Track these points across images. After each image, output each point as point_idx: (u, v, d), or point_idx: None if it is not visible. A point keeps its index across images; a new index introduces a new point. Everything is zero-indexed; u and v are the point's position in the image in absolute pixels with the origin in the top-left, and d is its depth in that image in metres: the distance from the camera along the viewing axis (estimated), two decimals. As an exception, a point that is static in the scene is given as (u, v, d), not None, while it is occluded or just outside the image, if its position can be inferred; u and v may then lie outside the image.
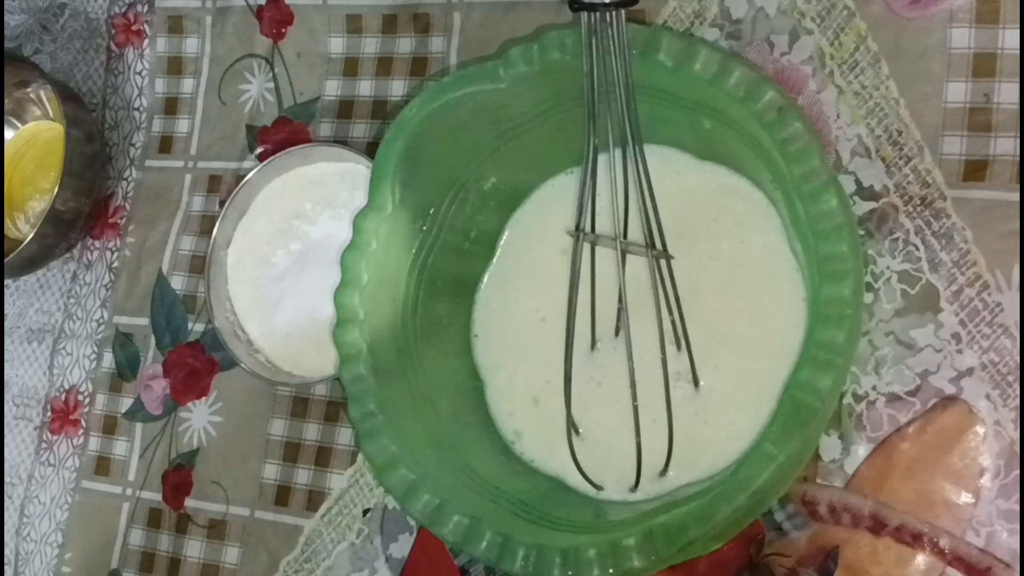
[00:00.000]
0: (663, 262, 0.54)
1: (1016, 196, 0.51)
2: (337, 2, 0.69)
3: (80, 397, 0.73)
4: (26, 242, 0.68)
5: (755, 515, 0.47)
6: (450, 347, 0.61)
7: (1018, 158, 0.52)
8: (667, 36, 0.52)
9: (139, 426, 0.70)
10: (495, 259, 0.62)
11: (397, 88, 0.67)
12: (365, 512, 0.63)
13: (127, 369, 0.72)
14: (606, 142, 0.54)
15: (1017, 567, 0.49)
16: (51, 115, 0.76)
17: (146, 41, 0.75)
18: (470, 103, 0.56)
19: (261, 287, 0.67)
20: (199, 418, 0.68)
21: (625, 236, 0.56)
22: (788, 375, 0.51)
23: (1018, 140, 0.52)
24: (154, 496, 0.69)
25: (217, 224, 0.67)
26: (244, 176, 0.67)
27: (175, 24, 0.74)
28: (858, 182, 0.54)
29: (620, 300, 0.56)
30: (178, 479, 0.68)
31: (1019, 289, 0.51)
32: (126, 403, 0.71)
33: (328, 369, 0.62)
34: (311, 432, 0.65)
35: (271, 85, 0.70)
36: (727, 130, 0.53)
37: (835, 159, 0.55)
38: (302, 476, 0.65)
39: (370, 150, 0.63)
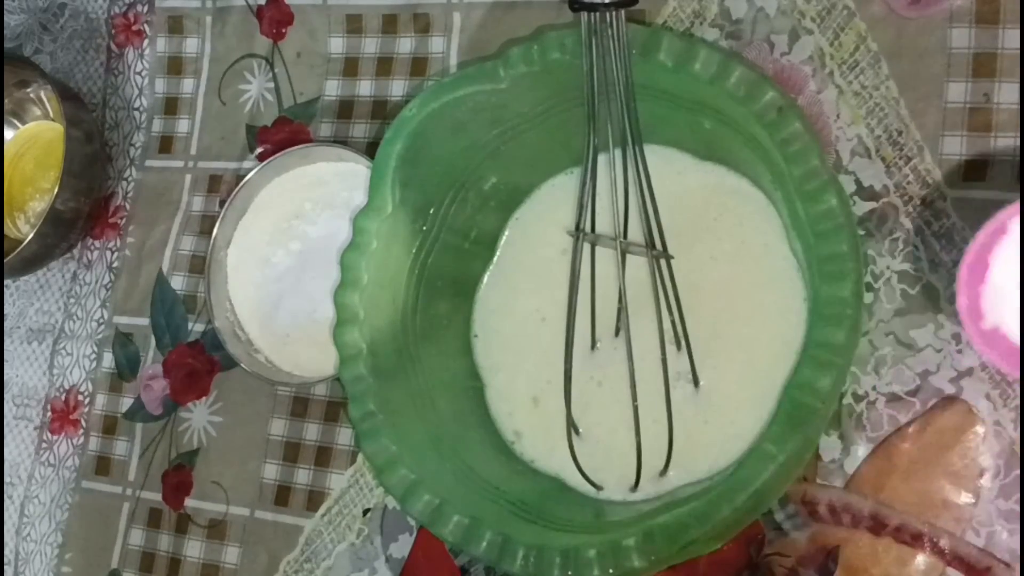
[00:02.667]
0: (663, 262, 0.54)
1: (1016, 196, 0.51)
2: (337, 2, 0.69)
3: (80, 397, 0.73)
4: (26, 242, 0.68)
5: (755, 515, 0.47)
6: (450, 347, 0.61)
7: (1018, 158, 0.52)
8: (667, 36, 0.52)
9: (139, 426, 0.70)
10: (495, 259, 0.62)
11: (397, 88, 0.67)
12: (365, 512, 0.63)
13: (127, 369, 0.72)
14: (606, 142, 0.54)
15: (1017, 567, 0.49)
16: (51, 115, 0.76)
17: (146, 41, 0.75)
18: (470, 103, 0.56)
19: (261, 287, 0.67)
20: (199, 418, 0.68)
21: (625, 236, 0.56)
22: (788, 375, 0.51)
23: (1018, 140, 0.52)
24: (154, 496, 0.69)
25: (217, 224, 0.67)
26: (244, 176, 0.67)
27: (175, 24, 0.74)
28: (858, 182, 0.54)
29: (620, 300, 0.56)
30: (178, 479, 0.68)
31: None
32: (126, 403, 0.71)
33: (328, 369, 0.62)
34: (311, 432, 0.65)
35: (271, 85, 0.70)
36: (727, 130, 0.53)
37: (835, 159, 0.55)
38: (302, 476, 0.65)
39: (370, 150, 0.63)
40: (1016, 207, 0.40)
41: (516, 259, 0.62)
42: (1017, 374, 0.40)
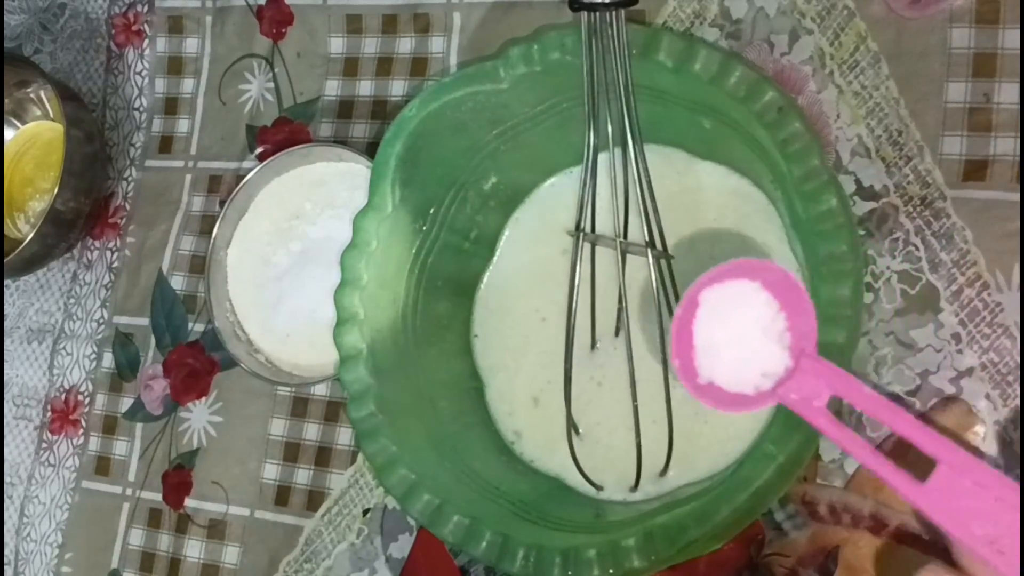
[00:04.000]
0: (663, 262, 0.54)
1: (1016, 196, 0.51)
2: (337, 2, 0.69)
3: (80, 397, 0.73)
4: (26, 242, 0.68)
5: (755, 515, 0.47)
6: (450, 347, 0.61)
7: (1018, 158, 0.52)
8: (667, 36, 0.52)
9: (139, 426, 0.70)
10: (495, 259, 0.62)
11: (397, 88, 0.67)
12: (365, 512, 0.63)
13: (127, 369, 0.72)
14: (606, 142, 0.54)
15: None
16: (51, 115, 0.76)
17: (146, 41, 0.75)
18: (470, 103, 0.56)
19: (261, 287, 0.67)
20: (199, 418, 0.68)
21: (625, 236, 0.56)
22: (788, 375, 0.50)
23: (1018, 140, 0.52)
24: (154, 496, 0.69)
25: (217, 224, 0.67)
26: (244, 176, 0.67)
27: (175, 24, 0.74)
28: (858, 182, 0.54)
29: (620, 300, 0.56)
30: (178, 479, 0.68)
31: (1019, 289, 0.51)
32: (126, 403, 0.71)
33: (328, 369, 0.62)
34: (311, 432, 0.65)
35: (271, 85, 0.70)
36: (727, 130, 0.53)
37: (835, 159, 0.55)
38: (302, 476, 0.65)
39: (370, 150, 0.63)
40: (701, 283, 0.45)
41: (516, 259, 0.62)
42: (734, 413, 0.45)
